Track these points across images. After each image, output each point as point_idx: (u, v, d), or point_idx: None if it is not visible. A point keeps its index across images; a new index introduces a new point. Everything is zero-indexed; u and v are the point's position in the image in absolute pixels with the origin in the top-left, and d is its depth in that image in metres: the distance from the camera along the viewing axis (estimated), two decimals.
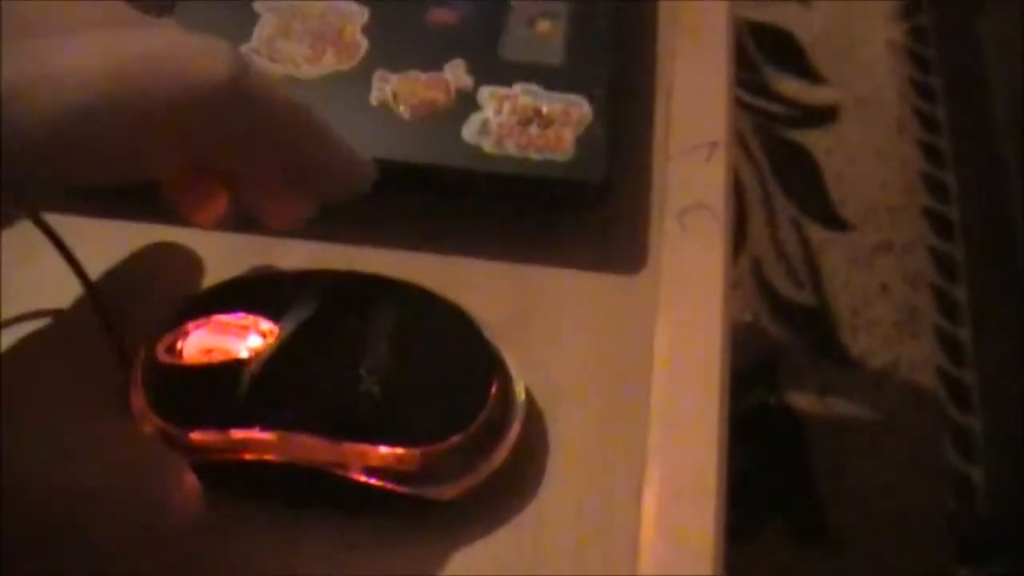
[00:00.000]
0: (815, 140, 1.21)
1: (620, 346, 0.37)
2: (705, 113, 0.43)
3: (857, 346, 1.08)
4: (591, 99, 0.40)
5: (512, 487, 0.34)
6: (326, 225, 0.39)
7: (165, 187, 0.35)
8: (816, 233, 1.15)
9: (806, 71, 1.26)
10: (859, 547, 0.98)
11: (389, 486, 0.32)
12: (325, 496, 0.33)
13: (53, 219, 0.36)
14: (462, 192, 0.39)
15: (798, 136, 1.22)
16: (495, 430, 0.33)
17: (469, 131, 0.39)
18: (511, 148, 0.38)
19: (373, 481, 0.32)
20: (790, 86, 1.25)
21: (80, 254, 0.36)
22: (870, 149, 1.20)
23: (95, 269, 0.36)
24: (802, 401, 1.05)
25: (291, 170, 0.33)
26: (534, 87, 0.40)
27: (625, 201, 0.41)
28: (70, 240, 0.36)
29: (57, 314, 0.37)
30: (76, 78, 0.27)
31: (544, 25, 0.42)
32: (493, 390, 0.33)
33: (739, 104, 1.23)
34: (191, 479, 0.30)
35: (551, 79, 0.40)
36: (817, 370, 1.07)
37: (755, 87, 1.24)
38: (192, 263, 0.38)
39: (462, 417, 0.33)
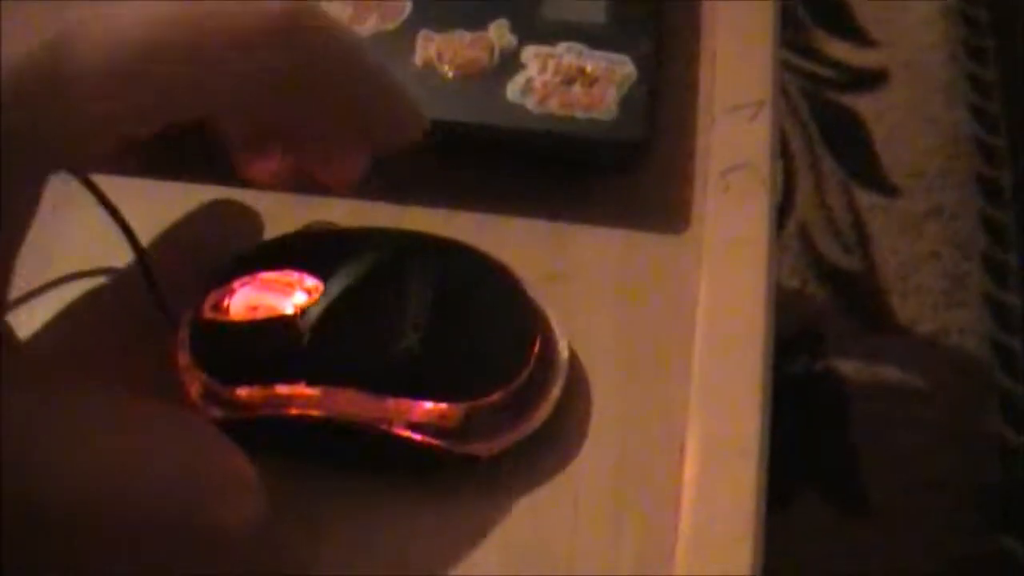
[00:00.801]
0: (864, 104, 1.20)
1: (662, 306, 0.37)
2: (751, 73, 0.42)
3: (905, 313, 1.07)
4: (635, 58, 0.40)
5: (553, 445, 0.34)
6: (369, 183, 0.39)
7: (222, 141, 0.35)
8: (864, 198, 1.14)
9: (855, 33, 1.25)
10: (900, 516, 0.98)
11: (431, 441, 0.32)
12: (367, 452, 0.33)
13: (102, 180, 0.36)
14: (505, 151, 0.39)
15: (847, 99, 1.20)
16: (537, 388, 0.34)
17: (513, 90, 0.39)
18: (554, 107, 0.38)
19: (415, 436, 0.32)
20: (839, 48, 1.23)
21: (129, 214, 0.36)
22: (919, 113, 1.18)
23: (145, 230, 0.37)
24: (847, 367, 1.04)
25: (346, 111, 0.32)
26: (578, 46, 0.40)
27: (668, 161, 0.40)
28: (120, 200, 0.36)
29: (105, 273, 0.37)
30: (134, 14, 0.27)
31: None
32: (536, 348, 0.34)
33: (786, 66, 1.22)
34: (248, 470, 0.30)
35: (594, 38, 0.40)
36: (863, 336, 1.06)
37: (803, 49, 1.23)
38: (251, 219, 0.38)
39: (505, 374, 0.33)
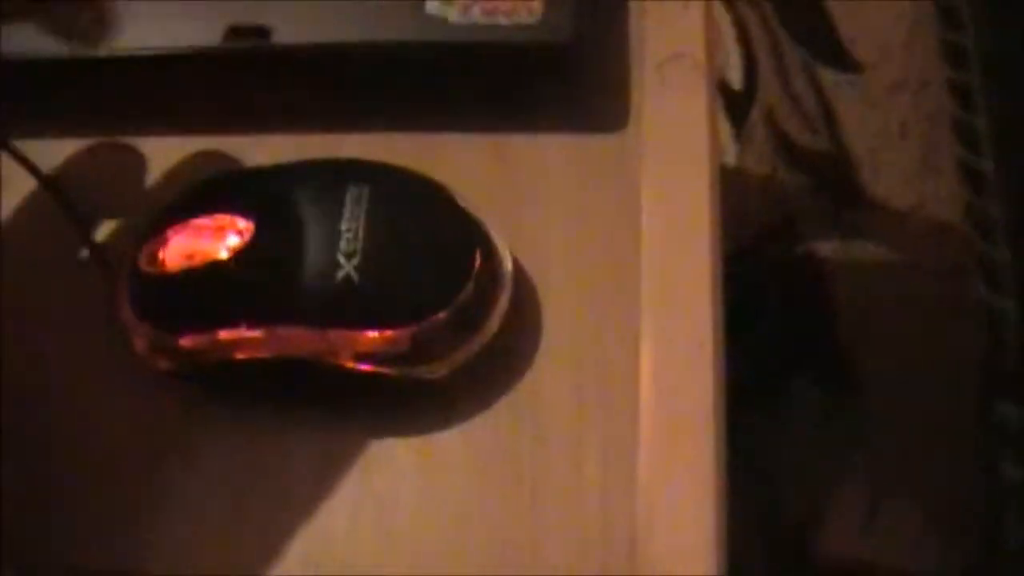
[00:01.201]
0: None
1: (607, 206, 0.37)
2: None
3: (879, 188, 1.06)
4: None
5: (507, 359, 0.34)
6: (299, 116, 0.39)
7: None
8: (828, 77, 1.13)
9: None
10: (889, 391, 0.98)
11: (380, 370, 0.32)
12: (318, 386, 0.33)
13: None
14: (431, 67, 0.38)
15: None
16: (483, 302, 0.33)
17: (432, 3, 0.37)
18: (477, 15, 0.37)
19: (364, 367, 0.32)
20: None
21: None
22: None
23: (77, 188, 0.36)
24: (825, 248, 1.03)
25: None
26: None
27: (602, 58, 0.39)
28: (47, 164, 0.36)
29: (42, 236, 0.37)
30: None
31: None
32: (477, 261, 0.33)
33: None
34: None
35: None
36: (839, 216, 1.05)
37: None
38: (180, 163, 0.38)
39: (447, 292, 0.32)
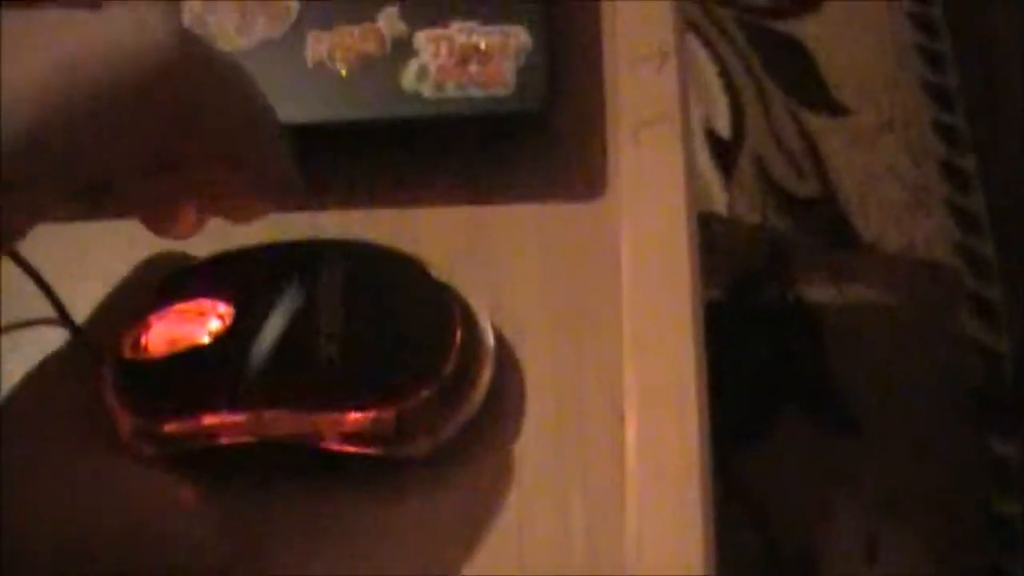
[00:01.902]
0: (802, 27, 1.19)
1: (587, 272, 0.37)
2: (652, 24, 0.42)
3: (869, 231, 1.07)
4: (529, 26, 0.39)
5: (492, 429, 0.34)
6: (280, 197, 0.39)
7: (138, 211, 0.35)
8: (814, 121, 1.13)
9: None
10: (883, 430, 0.98)
11: (366, 450, 0.32)
12: (303, 468, 0.33)
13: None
14: (407, 141, 0.38)
15: (784, 25, 1.20)
16: (466, 376, 0.33)
17: (408, 79, 0.38)
18: (451, 89, 0.38)
19: (349, 448, 0.32)
20: None
21: (43, 258, 0.36)
22: (859, 29, 1.17)
23: (59, 273, 0.36)
24: (816, 293, 1.04)
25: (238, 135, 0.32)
26: (469, 24, 0.39)
27: (579, 122, 0.40)
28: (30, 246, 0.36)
29: (25, 325, 0.37)
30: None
31: None
32: (458, 336, 0.33)
33: (720, 1, 1.21)
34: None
35: (487, 11, 0.39)
36: (830, 260, 1.06)
37: None
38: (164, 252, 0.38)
39: (430, 368, 0.33)
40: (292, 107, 0.38)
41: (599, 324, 0.36)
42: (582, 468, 0.33)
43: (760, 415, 0.99)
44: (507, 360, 0.35)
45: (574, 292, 0.36)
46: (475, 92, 0.37)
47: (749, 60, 1.18)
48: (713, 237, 1.07)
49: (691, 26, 1.18)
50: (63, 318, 0.36)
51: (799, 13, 1.20)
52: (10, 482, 0.29)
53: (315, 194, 0.38)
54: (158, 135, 0.31)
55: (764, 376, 1.01)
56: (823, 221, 1.08)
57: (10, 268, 0.36)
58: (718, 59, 1.18)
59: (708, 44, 1.19)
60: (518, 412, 0.34)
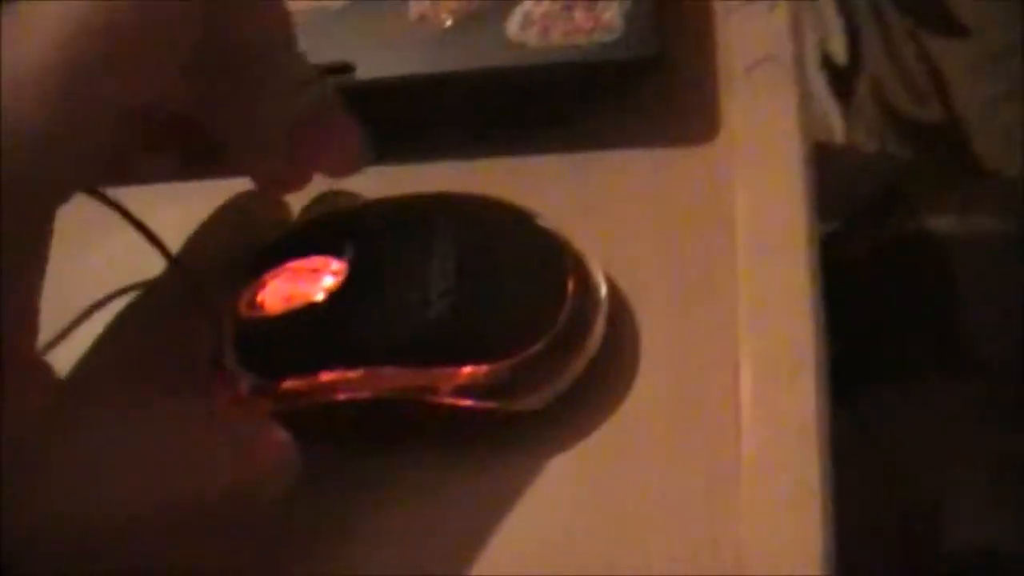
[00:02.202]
0: None
1: (701, 221, 0.36)
2: None
3: (991, 157, 1.03)
4: None
5: (605, 385, 0.34)
6: (384, 147, 0.39)
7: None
8: (935, 43, 1.09)
9: None
10: (1013, 371, 0.95)
11: (480, 404, 0.32)
12: (417, 425, 0.33)
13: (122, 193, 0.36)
14: (515, 92, 0.38)
15: None
16: (579, 329, 0.33)
17: (512, 28, 0.37)
18: (557, 37, 0.37)
19: (463, 402, 0.32)
20: None
21: (157, 221, 0.36)
22: None
23: (175, 234, 0.37)
24: (940, 222, 1.01)
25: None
26: None
27: (688, 65, 0.39)
28: (144, 210, 0.36)
29: (146, 287, 0.38)
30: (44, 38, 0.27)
31: None
32: (570, 288, 0.33)
33: None
34: (282, 442, 0.31)
35: None
36: (952, 188, 1.02)
37: None
38: (275, 207, 0.38)
39: (544, 321, 0.32)
40: (397, 60, 0.38)
41: (714, 272, 0.35)
42: (696, 427, 0.33)
43: (886, 352, 0.97)
44: (620, 310, 0.34)
45: (688, 239, 0.36)
46: (582, 40, 0.37)
47: None
48: (830, 166, 1.04)
49: None
50: (181, 276, 0.36)
51: None
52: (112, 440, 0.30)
53: (424, 147, 0.38)
54: None
55: (890, 311, 0.98)
56: (945, 148, 1.05)
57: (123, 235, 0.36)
58: None
59: None
60: (632, 367, 0.34)
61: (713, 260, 0.35)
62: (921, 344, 0.97)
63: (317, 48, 0.38)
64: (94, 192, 0.35)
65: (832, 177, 1.05)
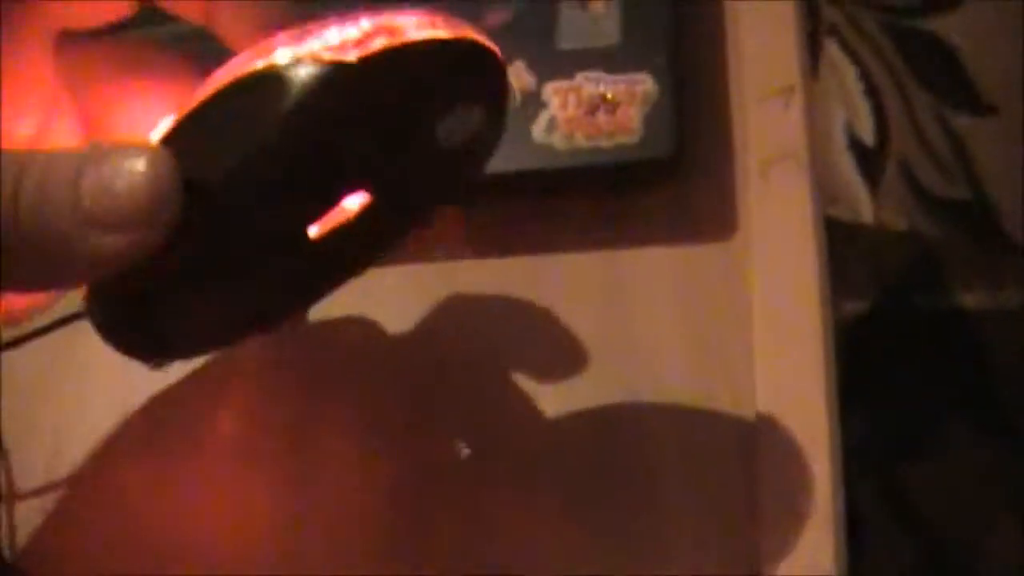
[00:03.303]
0: (945, 24, 1.16)
1: (719, 313, 0.38)
2: (778, 59, 0.42)
3: (1022, 232, 1.04)
4: (654, 72, 0.40)
5: (625, 469, 0.35)
6: (416, 245, 0.40)
7: None
8: (961, 121, 1.11)
9: None
10: None
11: None
12: None
13: None
14: (539, 192, 0.40)
15: (926, 23, 1.17)
16: None
17: (538, 130, 0.39)
18: (581, 140, 0.39)
19: None
20: None
21: None
22: (1005, 24, 1.14)
23: None
24: (970, 298, 1.02)
25: None
26: (596, 73, 0.40)
27: (707, 165, 0.41)
28: None
29: None
30: None
31: (597, 4, 0.42)
32: None
33: (860, 2, 1.19)
34: None
35: (612, 61, 0.40)
36: (982, 264, 1.03)
37: None
38: None
39: None
40: None
41: (731, 361, 0.36)
42: (714, 508, 0.34)
43: (922, 426, 0.97)
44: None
45: (708, 334, 0.37)
46: (604, 142, 0.38)
47: (890, 61, 1.16)
48: (859, 245, 1.05)
49: (830, 31, 1.17)
50: None
51: (941, 10, 1.18)
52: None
53: (449, 246, 0.40)
54: None
55: (924, 386, 0.99)
56: (974, 225, 1.06)
57: None
58: (858, 62, 1.17)
59: (847, 47, 1.18)
60: (652, 450, 0.35)
61: (731, 350, 0.37)
62: (955, 417, 0.98)
63: None
64: None
65: (861, 256, 1.06)
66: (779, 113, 0.41)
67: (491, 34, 0.42)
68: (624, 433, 0.36)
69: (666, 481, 0.35)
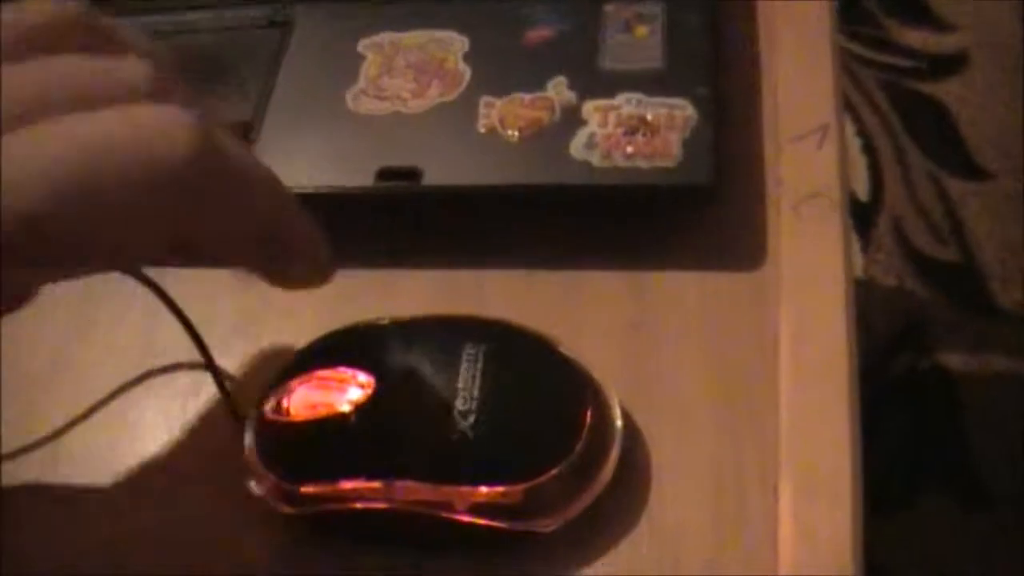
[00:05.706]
0: (945, 90, 1.18)
1: (745, 345, 0.37)
2: (814, 98, 0.42)
3: (1008, 298, 1.05)
4: (695, 100, 0.40)
5: (618, 509, 0.35)
6: (448, 253, 0.40)
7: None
8: (955, 185, 1.12)
9: (930, 19, 1.23)
10: (1020, 506, 0.96)
11: (492, 523, 0.33)
12: (432, 537, 0.34)
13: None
14: (575, 208, 0.39)
15: (927, 87, 1.19)
16: (595, 455, 0.34)
17: (576, 147, 0.39)
18: (619, 159, 0.39)
19: (477, 520, 0.33)
20: (915, 36, 1.21)
21: (194, 307, 0.38)
22: (1003, 93, 1.16)
23: (209, 324, 0.38)
24: (954, 360, 1.02)
25: (263, 241, 0.32)
26: (637, 95, 0.40)
27: (739, 197, 0.41)
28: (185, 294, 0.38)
29: (173, 372, 0.39)
30: (38, 168, 0.27)
31: (641, 29, 0.42)
32: (588, 418, 0.34)
33: (862, 61, 1.21)
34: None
35: (653, 84, 0.40)
36: (968, 327, 1.04)
37: (877, 42, 1.21)
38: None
39: (559, 449, 0.33)
40: (464, 169, 0.39)
41: (756, 397, 0.36)
42: (737, 542, 0.34)
43: (897, 487, 0.97)
44: (635, 438, 0.36)
45: (732, 363, 0.37)
46: (642, 163, 0.38)
47: (889, 120, 1.17)
48: None
49: None
50: (212, 371, 0.38)
51: (942, 75, 1.19)
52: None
53: (481, 256, 0.40)
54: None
55: (901, 446, 0.99)
56: (961, 287, 1.07)
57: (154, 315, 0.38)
58: (857, 119, 1.18)
59: (847, 104, 1.19)
60: (672, 482, 0.35)
61: (755, 382, 0.36)
62: (932, 476, 0.98)
63: (386, 151, 0.40)
64: (136, 272, 0.37)
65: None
66: (812, 153, 0.41)
67: (534, 51, 0.42)
68: (641, 459, 0.36)
69: (688, 511, 0.34)
